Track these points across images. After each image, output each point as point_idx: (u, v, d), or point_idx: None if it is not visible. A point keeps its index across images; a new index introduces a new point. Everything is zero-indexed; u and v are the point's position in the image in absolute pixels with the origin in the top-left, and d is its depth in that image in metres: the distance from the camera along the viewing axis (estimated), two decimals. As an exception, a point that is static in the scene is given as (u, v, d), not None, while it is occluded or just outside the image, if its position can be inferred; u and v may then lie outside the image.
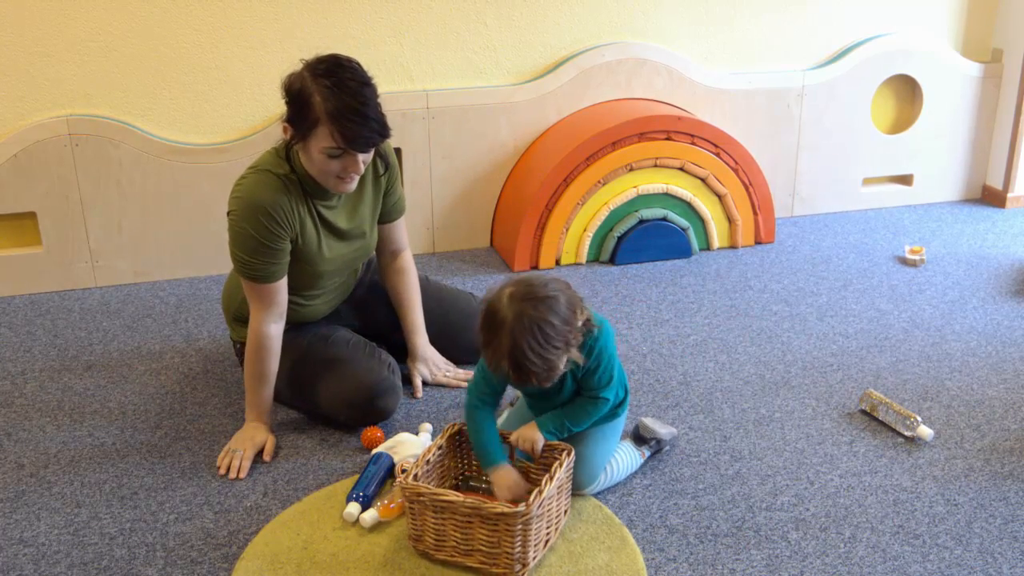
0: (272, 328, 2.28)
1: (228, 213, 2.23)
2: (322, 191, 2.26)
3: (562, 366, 1.88)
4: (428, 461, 2.01)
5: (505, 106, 3.49)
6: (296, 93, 2.11)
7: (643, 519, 2.07)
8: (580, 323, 1.88)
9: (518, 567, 1.86)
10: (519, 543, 1.83)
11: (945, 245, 3.65)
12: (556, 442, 2.01)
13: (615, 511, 2.09)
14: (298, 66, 2.15)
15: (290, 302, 2.36)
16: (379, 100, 2.13)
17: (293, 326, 2.45)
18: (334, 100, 2.07)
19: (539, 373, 1.84)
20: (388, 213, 2.49)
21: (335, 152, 2.13)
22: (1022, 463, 2.27)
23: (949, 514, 2.08)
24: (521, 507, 1.80)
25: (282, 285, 2.27)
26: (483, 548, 1.87)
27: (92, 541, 2.02)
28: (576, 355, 1.89)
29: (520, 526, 1.81)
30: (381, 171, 2.39)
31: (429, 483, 2.02)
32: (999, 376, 2.67)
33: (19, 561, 1.96)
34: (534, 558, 1.89)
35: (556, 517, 1.96)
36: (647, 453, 2.24)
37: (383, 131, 2.14)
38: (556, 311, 1.83)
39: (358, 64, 2.15)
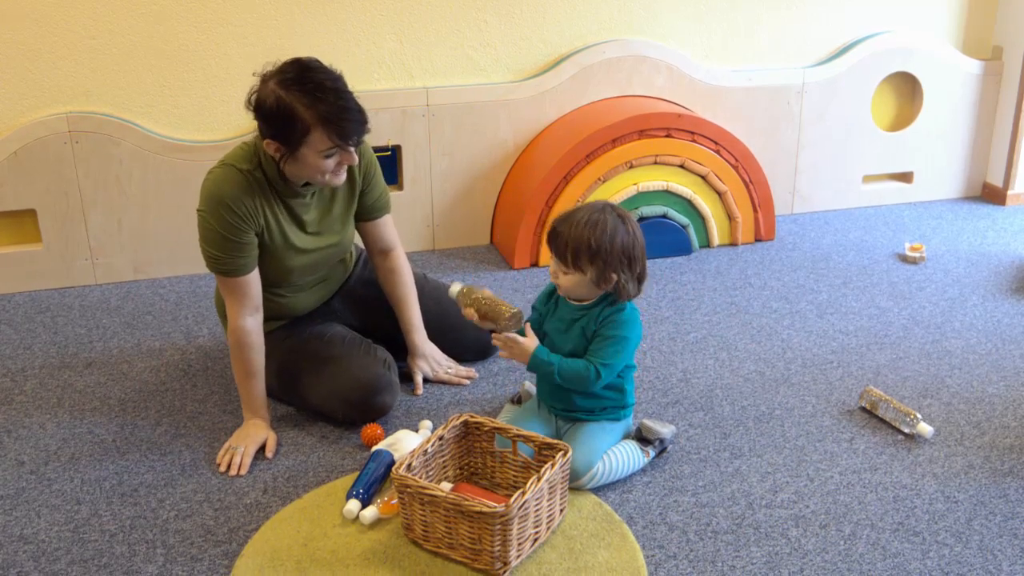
0: (248, 321, 2.28)
1: (197, 210, 2.24)
2: (292, 189, 2.26)
3: (585, 270, 2.09)
4: (426, 452, 2.02)
5: (505, 103, 3.49)
6: (274, 109, 2.10)
7: (643, 516, 2.07)
8: (616, 274, 2.10)
9: (499, 565, 1.86)
10: (499, 542, 1.84)
11: (945, 242, 3.65)
12: (553, 440, 2.02)
13: (615, 508, 2.09)
14: (255, 82, 2.15)
15: (274, 294, 2.38)
16: (349, 88, 2.16)
17: (288, 323, 2.45)
18: (320, 104, 2.08)
19: (583, 248, 2.07)
20: (369, 210, 2.47)
21: (332, 152, 2.14)
22: (1022, 460, 2.27)
23: (949, 511, 2.08)
24: (500, 507, 1.81)
25: (253, 279, 2.27)
26: (466, 544, 1.88)
27: (92, 538, 2.02)
28: (591, 283, 2.12)
29: (499, 526, 1.82)
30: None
31: (426, 473, 2.03)
32: (999, 373, 2.67)
33: (19, 558, 1.96)
34: (517, 557, 1.89)
35: (548, 516, 1.97)
36: (652, 453, 2.24)
37: (366, 119, 2.17)
38: (635, 243, 2.12)
39: (319, 61, 2.16)
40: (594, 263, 2.08)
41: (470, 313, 2.19)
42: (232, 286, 2.26)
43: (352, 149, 2.18)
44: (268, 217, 2.26)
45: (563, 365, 2.13)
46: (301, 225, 2.33)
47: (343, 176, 2.24)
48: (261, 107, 2.12)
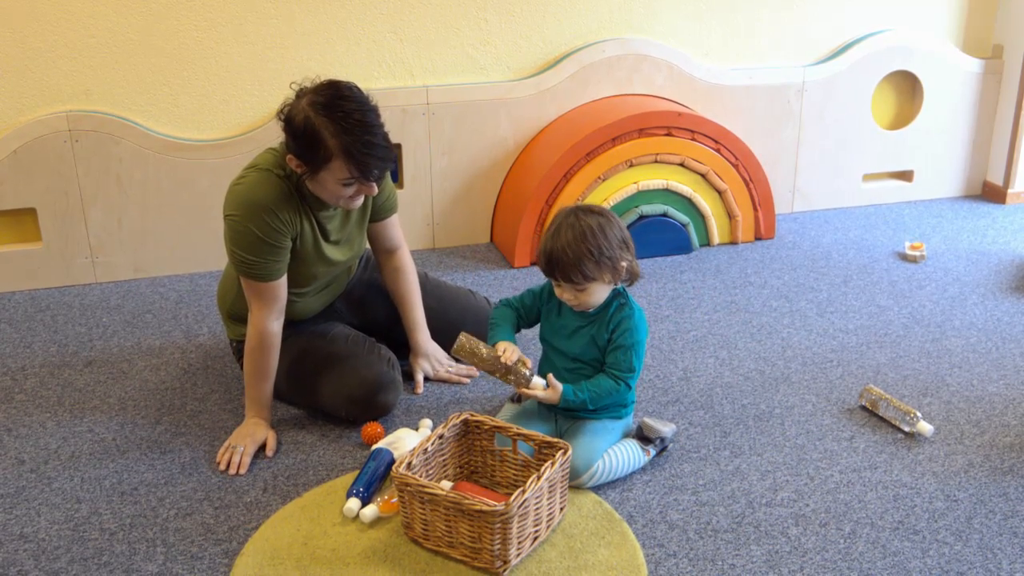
0: (274, 325, 2.28)
1: (227, 216, 2.22)
2: (320, 201, 2.26)
3: (600, 276, 2.08)
4: (426, 451, 2.02)
5: (505, 102, 3.49)
6: (301, 130, 2.09)
7: (643, 515, 2.07)
8: (624, 262, 2.11)
9: (499, 563, 1.86)
10: (499, 540, 1.84)
11: (945, 241, 3.65)
12: (553, 439, 2.02)
13: (615, 507, 2.09)
14: (291, 93, 2.15)
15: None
16: (381, 120, 2.14)
17: (290, 323, 2.45)
18: (345, 136, 2.07)
19: (587, 259, 2.05)
20: (378, 211, 2.48)
21: (351, 182, 2.14)
22: (1022, 459, 2.27)
23: (949, 510, 2.08)
24: (500, 506, 1.81)
25: (283, 283, 2.28)
26: (466, 542, 1.88)
27: (92, 536, 2.02)
28: (608, 285, 2.13)
29: (499, 524, 1.82)
30: None
31: (426, 472, 2.03)
32: (999, 372, 2.67)
33: (19, 557, 1.96)
34: (517, 555, 1.89)
35: (548, 515, 1.97)
36: (652, 452, 2.24)
37: (391, 153, 2.17)
38: (620, 226, 2.14)
39: (357, 88, 2.15)
40: (602, 266, 2.08)
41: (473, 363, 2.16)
42: (262, 290, 2.25)
43: (373, 183, 2.18)
44: (304, 224, 2.26)
45: (594, 396, 2.14)
46: (325, 234, 2.33)
47: (359, 202, 2.25)
48: (290, 123, 2.12)
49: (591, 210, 2.12)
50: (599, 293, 2.13)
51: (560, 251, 2.06)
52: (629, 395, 2.23)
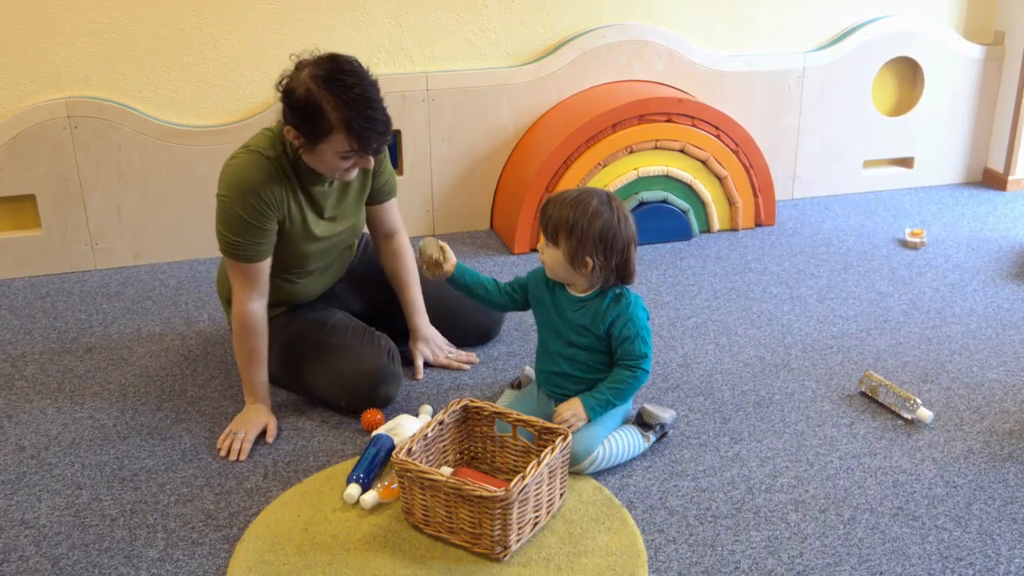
0: (255, 306, 2.28)
1: (218, 195, 2.23)
2: (315, 176, 2.26)
3: (560, 246, 2.09)
4: (426, 436, 2.02)
5: (505, 88, 3.48)
6: (302, 101, 2.09)
7: (643, 501, 2.08)
8: (589, 257, 2.08)
9: (499, 549, 1.87)
10: (499, 526, 1.84)
11: (946, 228, 3.65)
12: (553, 425, 2.02)
13: (615, 493, 2.10)
14: (290, 65, 2.15)
15: (282, 279, 2.37)
16: (381, 95, 2.14)
17: (290, 309, 2.45)
18: (346, 109, 2.07)
19: (561, 223, 2.07)
20: (377, 194, 2.48)
21: (350, 155, 2.14)
22: (1021, 445, 2.27)
23: (948, 496, 2.09)
24: (500, 492, 1.81)
25: (266, 266, 2.27)
26: (466, 528, 1.89)
27: (93, 523, 2.03)
28: (566, 263, 2.11)
29: (500, 510, 1.82)
30: None
31: (426, 458, 2.03)
32: (999, 359, 2.67)
33: (20, 543, 1.97)
34: (517, 541, 1.90)
35: (548, 501, 1.97)
36: (652, 438, 2.24)
37: (390, 127, 2.17)
38: (614, 230, 2.09)
39: (356, 62, 2.15)
40: (569, 240, 2.08)
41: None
42: (245, 271, 2.25)
43: (370, 156, 2.18)
44: (291, 205, 2.26)
45: (617, 394, 2.15)
46: (319, 212, 2.33)
47: (355, 174, 2.25)
48: (290, 95, 2.12)
49: (612, 202, 2.11)
50: (556, 264, 2.12)
51: (552, 202, 2.12)
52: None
